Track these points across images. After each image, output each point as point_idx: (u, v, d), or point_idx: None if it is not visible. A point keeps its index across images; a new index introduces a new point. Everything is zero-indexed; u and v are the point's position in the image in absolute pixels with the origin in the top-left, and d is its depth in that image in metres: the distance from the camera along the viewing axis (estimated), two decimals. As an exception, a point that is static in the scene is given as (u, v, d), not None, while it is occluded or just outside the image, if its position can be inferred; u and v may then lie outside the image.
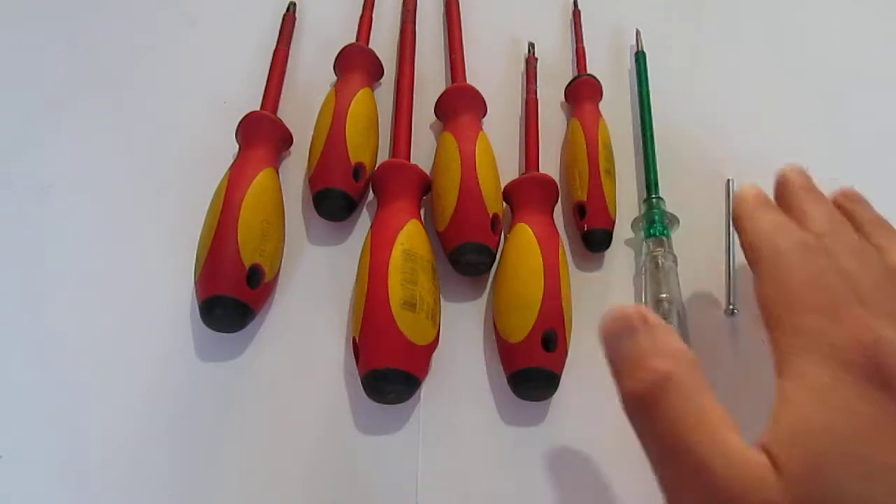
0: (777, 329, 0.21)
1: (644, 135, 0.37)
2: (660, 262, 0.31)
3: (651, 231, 0.33)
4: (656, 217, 0.33)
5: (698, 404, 0.19)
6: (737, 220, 0.27)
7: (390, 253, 0.28)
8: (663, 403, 0.19)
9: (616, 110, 0.39)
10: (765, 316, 0.23)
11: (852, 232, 0.25)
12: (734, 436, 0.19)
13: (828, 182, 0.37)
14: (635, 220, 0.34)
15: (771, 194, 0.36)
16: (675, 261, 0.31)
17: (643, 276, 0.32)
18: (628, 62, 0.42)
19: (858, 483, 0.17)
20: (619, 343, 0.21)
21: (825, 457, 0.17)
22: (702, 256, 0.33)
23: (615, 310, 0.22)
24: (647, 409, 0.20)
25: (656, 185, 0.35)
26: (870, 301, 0.21)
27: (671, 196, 0.34)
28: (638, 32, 0.41)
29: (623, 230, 0.34)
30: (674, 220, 0.33)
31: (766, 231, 0.24)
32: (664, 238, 0.32)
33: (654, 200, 0.34)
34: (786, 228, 0.24)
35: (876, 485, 0.17)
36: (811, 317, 0.21)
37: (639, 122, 0.38)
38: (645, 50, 0.40)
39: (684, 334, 0.29)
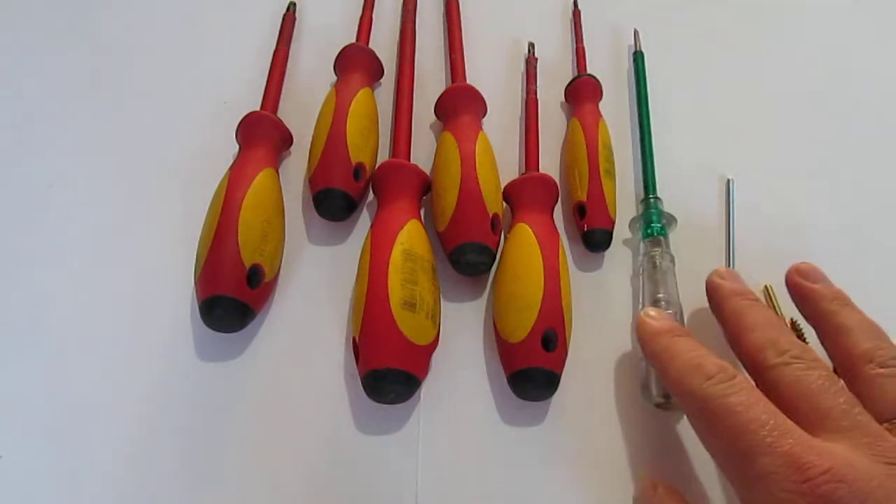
0: (735, 484, 0.21)
1: (642, 134, 0.37)
2: (657, 262, 0.31)
3: (648, 231, 0.33)
4: (654, 217, 0.33)
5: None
6: (648, 354, 0.26)
7: (390, 253, 0.28)
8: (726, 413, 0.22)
9: (616, 110, 0.39)
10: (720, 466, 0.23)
11: (790, 337, 0.25)
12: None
13: (828, 182, 0.37)
14: (633, 219, 0.34)
15: (771, 194, 0.36)
16: (672, 261, 0.31)
17: (641, 277, 0.32)
18: (628, 62, 0.42)
19: None
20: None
21: None
22: (701, 256, 0.33)
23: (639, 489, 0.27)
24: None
25: (654, 184, 0.35)
26: (809, 422, 0.21)
27: (670, 196, 0.34)
28: (636, 32, 0.41)
29: (623, 230, 0.34)
30: (671, 219, 0.33)
31: (679, 372, 0.24)
32: (662, 238, 0.32)
33: (651, 200, 0.34)
34: (697, 369, 0.23)
35: None
36: (758, 460, 0.20)
37: (637, 123, 0.38)
38: (644, 49, 0.40)
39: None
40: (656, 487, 0.25)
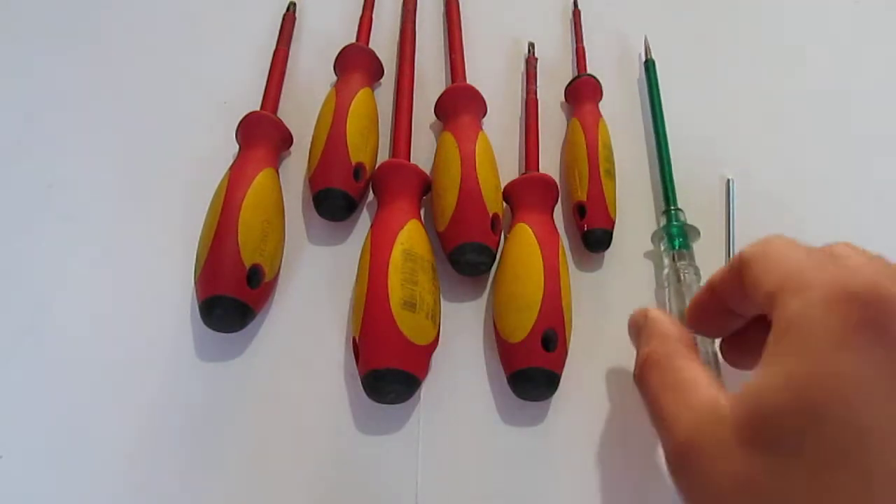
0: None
1: (659, 146, 0.36)
2: (682, 275, 0.31)
3: (673, 244, 0.32)
4: (675, 230, 0.32)
5: (673, 373, 0.21)
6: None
7: (390, 253, 0.28)
8: (646, 379, 0.22)
9: (616, 110, 0.39)
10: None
11: None
12: (707, 391, 0.20)
13: (828, 182, 0.37)
14: (655, 232, 0.34)
15: (771, 194, 0.36)
16: (697, 273, 0.31)
17: (666, 290, 0.31)
18: (629, 63, 0.42)
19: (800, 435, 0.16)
20: (633, 342, 0.26)
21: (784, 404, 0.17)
22: (701, 257, 0.33)
23: (631, 315, 0.26)
24: (639, 388, 0.23)
25: (674, 196, 0.34)
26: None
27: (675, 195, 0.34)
28: (646, 40, 0.41)
29: (624, 230, 0.34)
30: (694, 232, 0.33)
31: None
32: (685, 251, 0.32)
33: (672, 212, 0.33)
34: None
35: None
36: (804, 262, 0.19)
37: (643, 124, 0.39)
38: (644, 51, 0.40)
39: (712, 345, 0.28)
40: (646, 315, 0.25)
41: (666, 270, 0.32)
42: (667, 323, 0.24)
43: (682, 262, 0.31)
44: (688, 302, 0.29)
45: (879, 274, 0.17)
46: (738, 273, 0.22)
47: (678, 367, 0.22)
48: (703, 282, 0.28)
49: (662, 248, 0.33)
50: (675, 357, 0.22)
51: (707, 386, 0.20)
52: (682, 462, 0.19)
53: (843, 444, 0.15)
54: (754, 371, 0.19)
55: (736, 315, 0.24)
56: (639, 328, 0.25)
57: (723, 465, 0.17)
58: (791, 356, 0.17)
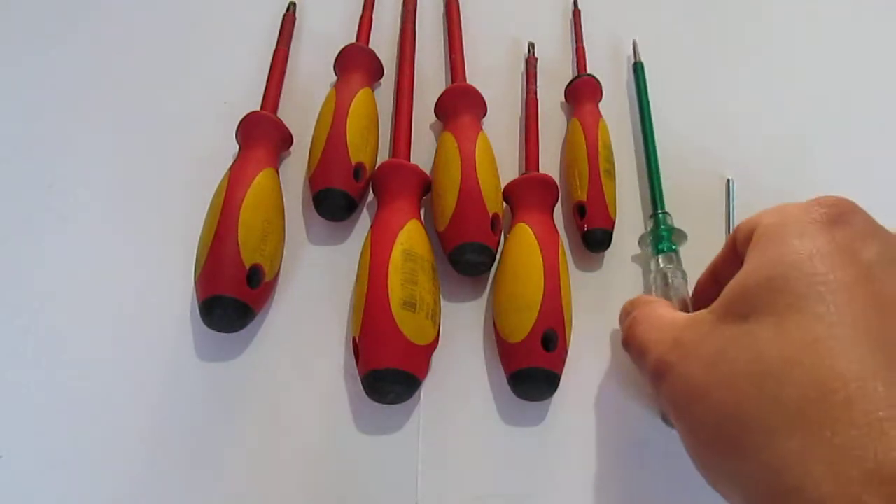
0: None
1: (647, 149, 0.36)
2: (669, 279, 0.30)
3: (659, 248, 0.32)
4: (664, 234, 0.32)
5: (657, 318, 0.24)
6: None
7: (390, 253, 0.28)
8: (631, 332, 0.25)
9: (616, 110, 0.39)
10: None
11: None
12: (687, 315, 0.23)
13: (828, 182, 0.37)
14: (643, 236, 0.33)
15: (771, 194, 0.36)
16: (684, 277, 0.30)
17: (653, 293, 0.31)
18: (628, 63, 0.42)
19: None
20: (622, 328, 0.27)
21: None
22: (702, 257, 0.33)
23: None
24: (627, 348, 0.26)
25: (661, 200, 0.34)
26: None
27: (671, 198, 0.34)
28: (635, 44, 0.41)
29: (623, 230, 0.34)
30: (682, 235, 0.32)
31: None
32: (672, 254, 0.31)
33: (660, 216, 0.33)
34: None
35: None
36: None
37: (636, 126, 0.38)
38: (645, 48, 0.40)
39: None
40: (632, 300, 0.27)
41: (653, 274, 0.31)
42: (652, 298, 0.27)
43: (670, 266, 0.31)
44: (674, 305, 0.29)
45: (847, 198, 0.21)
46: (733, 243, 0.24)
47: (660, 314, 0.24)
48: (691, 284, 0.29)
49: (650, 251, 0.33)
50: (657, 307, 0.25)
51: (687, 314, 0.23)
52: (665, 367, 0.21)
53: (801, 296, 0.18)
54: None
55: None
56: (625, 311, 0.27)
57: (702, 349, 0.20)
58: (762, 249, 0.20)
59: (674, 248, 0.32)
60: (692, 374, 0.20)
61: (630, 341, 0.25)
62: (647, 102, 0.38)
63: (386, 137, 0.37)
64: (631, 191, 0.36)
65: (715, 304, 0.21)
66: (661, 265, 0.31)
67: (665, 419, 0.29)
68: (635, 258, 0.34)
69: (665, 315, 0.24)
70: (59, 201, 0.35)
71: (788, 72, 0.42)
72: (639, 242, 0.34)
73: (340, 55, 0.37)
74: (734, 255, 0.24)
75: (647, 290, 0.33)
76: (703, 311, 0.21)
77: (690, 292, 0.29)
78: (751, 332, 0.19)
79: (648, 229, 0.33)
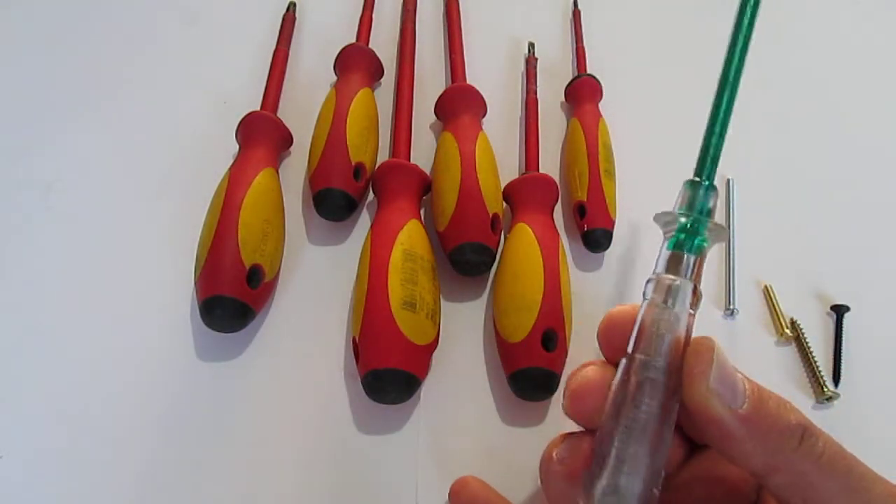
0: None
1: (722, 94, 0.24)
2: (671, 302, 0.19)
3: (682, 238, 0.19)
4: (700, 220, 0.19)
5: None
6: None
7: (390, 253, 0.28)
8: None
9: (616, 110, 0.39)
10: None
11: None
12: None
13: (828, 182, 0.37)
14: (663, 213, 0.20)
15: (771, 194, 0.36)
16: (695, 301, 0.19)
17: (640, 312, 0.19)
18: (628, 62, 0.42)
19: None
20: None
21: None
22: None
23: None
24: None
25: (715, 165, 0.21)
26: None
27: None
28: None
29: (623, 230, 0.34)
30: (721, 232, 0.20)
31: None
32: (696, 257, 0.19)
33: (707, 187, 0.20)
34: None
35: None
36: None
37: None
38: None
39: None
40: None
41: (652, 283, 0.19)
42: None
43: (679, 281, 0.19)
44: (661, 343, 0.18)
45: None
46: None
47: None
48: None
49: (666, 237, 0.20)
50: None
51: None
52: None
53: None
54: None
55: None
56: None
57: None
58: None
59: (701, 246, 0.19)
60: None
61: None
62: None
63: (386, 137, 0.37)
64: (631, 191, 0.36)
65: None
66: (673, 273, 0.19)
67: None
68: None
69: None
70: (59, 201, 0.35)
71: (789, 71, 0.42)
72: (655, 218, 0.20)
73: (340, 55, 0.37)
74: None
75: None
76: None
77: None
78: None
79: (683, 202, 0.20)
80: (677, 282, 0.19)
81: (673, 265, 0.19)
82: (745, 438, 0.17)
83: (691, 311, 0.19)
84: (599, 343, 0.20)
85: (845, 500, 0.16)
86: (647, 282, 0.19)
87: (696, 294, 0.19)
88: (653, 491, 0.17)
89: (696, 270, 0.19)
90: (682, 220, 0.20)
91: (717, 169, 0.21)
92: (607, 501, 0.17)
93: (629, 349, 0.18)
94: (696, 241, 0.19)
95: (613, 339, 0.19)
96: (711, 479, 0.20)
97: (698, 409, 0.17)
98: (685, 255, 0.19)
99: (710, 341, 0.18)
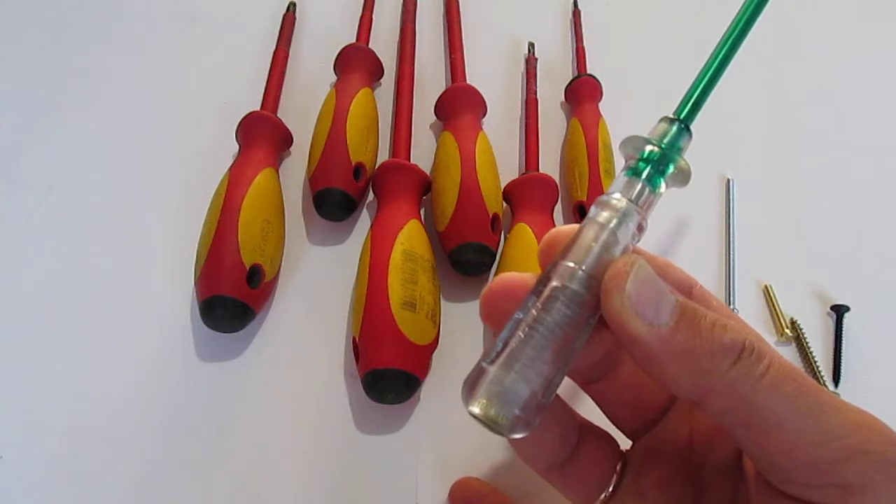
0: None
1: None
2: (618, 231, 0.18)
3: (641, 168, 0.19)
4: (668, 154, 0.19)
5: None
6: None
7: (390, 253, 0.28)
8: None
9: (616, 110, 0.39)
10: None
11: None
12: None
13: (828, 181, 0.37)
14: (630, 139, 0.19)
15: (771, 194, 0.36)
16: (636, 233, 0.18)
17: (582, 236, 0.18)
18: (628, 62, 0.42)
19: None
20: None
21: None
22: (701, 257, 0.33)
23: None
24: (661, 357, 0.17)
25: (695, 109, 0.21)
26: None
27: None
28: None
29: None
30: (685, 175, 0.20)
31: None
32: (653, 195, 0.19)
33: (679, 128, 0.20)
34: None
35: None
36: None
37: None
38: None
39: None
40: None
41: (612, 215, 0.18)
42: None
43: (633, 206, 0.18)
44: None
45: None
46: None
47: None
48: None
49: (625, 168, 0.19)
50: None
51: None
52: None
53: None
54: None
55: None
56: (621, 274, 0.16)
57: None
58: None
59: (659, 182, 0.19)
60: None
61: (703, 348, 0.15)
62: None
63: (386, 137, 0.37)
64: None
65: None
66: (622, 199, 0.18)
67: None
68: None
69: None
70: (59, 201, 0.35)
71: (789, 71, 0.42)
72: (622, 144, 0.20)
73: (340, 55, 0.37)
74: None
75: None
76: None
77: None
78: None
79: (649, 136, 0.19)
80: (623, 204, 0.18)
81: (626, 191, 0.18)
82: (666, 359, 0.15)
83: (631, 244, 0.18)
84: (539, 257, 0.19)
85: (795, 425, 0.15)
86: (595, 202, 0.18)
87: (640, 228, 0.18)
88: (539, 399, 0.16)
89: (647, 205, 0.19)
90: (648, 148, 0.19)
91: (697, 116, 0.21)
92: (490, 391, 0.16)
93: (557, 257, 0.17)
94: (654, 177, 0.19)
95: (551, 255, 0.18)
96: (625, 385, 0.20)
97: (614, 325, 0.16)
98: (641, 184, 0.18)
99: (634, 256, 0.17)
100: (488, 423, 0.16)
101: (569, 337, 0.17)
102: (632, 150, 0.19)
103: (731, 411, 0.16)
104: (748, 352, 0.15)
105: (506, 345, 0.16)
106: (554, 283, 0.17)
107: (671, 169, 0.19)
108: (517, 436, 0.16)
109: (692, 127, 0.21)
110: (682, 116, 0.20)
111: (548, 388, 0.16)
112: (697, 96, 0.21)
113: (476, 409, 0.16)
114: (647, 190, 0.18)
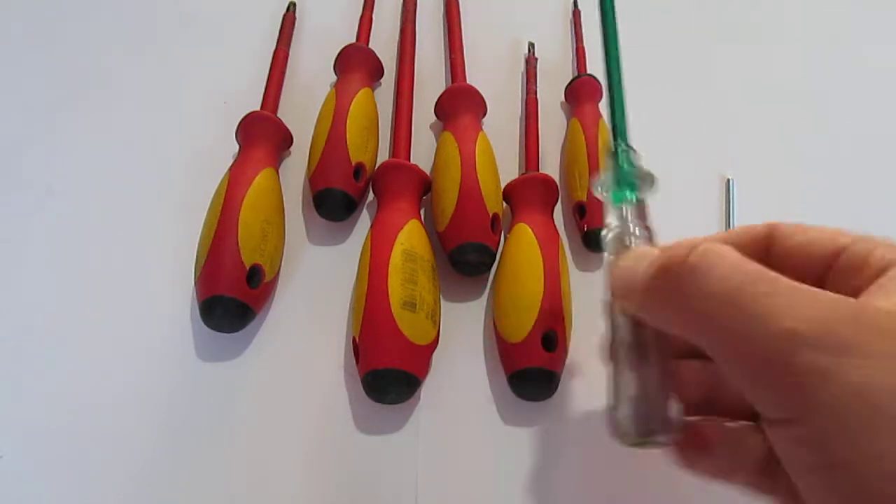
0: None
1: (610, 73, 0.27)
2: (630, 239, 0.22)
3: (617, 195, 0.23)
4: (624, 174, 0.23)
5: (761, 277, 0.18)
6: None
7: (390, 253, 0.28)
8: (697, 276, 0.19)
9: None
10: None
11: None
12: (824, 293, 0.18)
13: (828, 181, 0.37)
14: (597, 181, 0.24)
15: (771, 194, 0.36)
16: (651, 236, 0.22)
17: (605, 260, 0.23)
18: (628, 62, 0.42)
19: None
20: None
21: None
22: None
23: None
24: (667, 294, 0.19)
25: (624, 130, 0.24)
26: None
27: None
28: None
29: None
30: (648, 178, 0.23)
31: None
32: (635, 206, 0.22)
33: (622, 151, 0.23)
34: None
35: None
36: None
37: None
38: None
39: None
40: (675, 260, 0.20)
41: (610, 233, 0.22)
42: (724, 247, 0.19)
43: (633, 222, 0.22)
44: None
45: None
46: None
47: (773, 275, 0.17)
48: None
49: (608, 200, 0.23)
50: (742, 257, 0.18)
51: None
52: (840, 349, 0.15)
53: None
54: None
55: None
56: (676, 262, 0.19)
57: (879, 373, 0.15)
58: None
59: (633, 193, 0.22)
60: (867, 391, 0.15)
61: (711, 295, 0.17)
62: (615, 26, 0.29)
63: (386, 137, 0.37)
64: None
65: None
66: (616, 222, 0.22)
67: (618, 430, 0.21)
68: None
69: (782, 279, 0.17)
70: (58, 202, 0.35)
71: (790, 71, 0.42)
72: (594, 188, 0.24)
73: (340, 55, 0.37)
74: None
75: (605, 266, 0.29)
76: (879, 314, 0.16)
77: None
78: None
79: (605, 170, 0.23)
80: (625, 223, 0.22)
81: (618, 214, 0.22)
82: (651, 306, 0.19)
83: (648, 244, 0.22)
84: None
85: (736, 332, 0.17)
86: (602, 236, 0.23)
87: (647, 229, 0.22)
88: (662, 413, 0.20)
89: (641, 213, 0.22)
90: (609, 178, 0.23)
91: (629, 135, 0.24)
92: (617, 430, 0.21)
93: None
94: (629, 192, 0.23)
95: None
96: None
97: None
98: (623, 205, 0.22)
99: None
100: (641, 447, 0.21)
101: (639, 354, 0.21)
102: (603, 188, 0.23)
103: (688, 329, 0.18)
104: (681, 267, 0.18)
105: (611, 384, 0.22)
106: (609, 322, 0.22)
107: (636, 181, 0.23)
108: (671, 437, 0.20)
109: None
110: (613, 148, 0.24)
111: (656, 401, 0.20)
112: (614, 123, 0.25)
113: (625, 445, 0.21)
114: (632, 205, 0.22)
